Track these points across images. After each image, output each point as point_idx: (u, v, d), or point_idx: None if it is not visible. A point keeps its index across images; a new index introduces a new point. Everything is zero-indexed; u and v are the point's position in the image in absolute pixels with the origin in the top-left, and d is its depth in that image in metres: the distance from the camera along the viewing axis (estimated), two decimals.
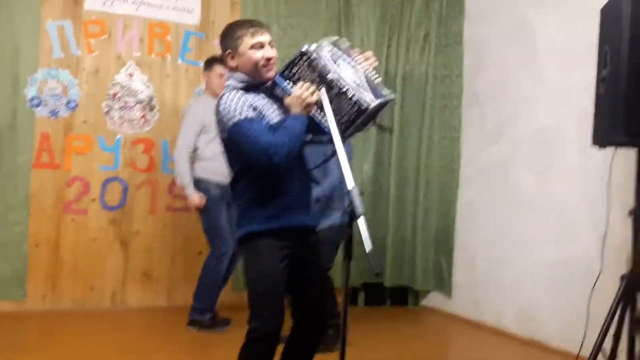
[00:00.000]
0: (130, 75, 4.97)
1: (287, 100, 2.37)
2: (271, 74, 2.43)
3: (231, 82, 2.48)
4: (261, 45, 2.42)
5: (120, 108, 4.93)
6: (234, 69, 2.47)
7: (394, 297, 5.49)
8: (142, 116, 4.99)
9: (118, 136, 4.91)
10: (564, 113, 4.20)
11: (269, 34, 2.47)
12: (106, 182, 4.87)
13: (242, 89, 2.43)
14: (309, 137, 2.49)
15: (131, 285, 4.94)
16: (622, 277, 2.91)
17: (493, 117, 4.87)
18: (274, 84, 2.41)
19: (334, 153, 2.15)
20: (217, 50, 5.19)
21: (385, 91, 2.45)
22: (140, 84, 4.98)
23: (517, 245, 4.52)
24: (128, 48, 4.95)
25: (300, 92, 2.33)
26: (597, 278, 3.32)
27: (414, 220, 5.36)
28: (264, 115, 2.40)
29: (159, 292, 4.99)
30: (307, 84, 2.35)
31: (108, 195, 4.88)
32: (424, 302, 5.45)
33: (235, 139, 2.38)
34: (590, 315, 3.31)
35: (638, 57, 2.72)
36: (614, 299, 2.87)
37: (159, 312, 4.84)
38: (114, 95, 4.92)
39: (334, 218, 3.87)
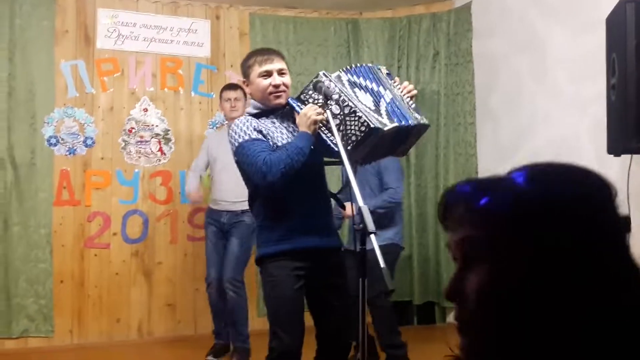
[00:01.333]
0: (145, 110, 5.06)
1: (297, 120, 2.44)
2: (280, 100, 2.52)
3: (247, 109, 2.59)
4: (269, 74, 2.52)
5: (137, 142, 5.01)
6: (251, 96, 2.60)
7: (421, 315, 5.46)
8: (159, 149, 5.06)
9: (136, 170, 4.99)
10: (578, 123, 4.20)
11: (280, 62, 2.56)
12: (126, 215, 4.94)
13: (254, 115, 2.53)
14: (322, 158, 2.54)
15: (156, 316, 4.97)
16: None
17: (508, 132, 4.88)
18: (290, 106, 2.50)
19: (355, 172, 2.19)
20: (228, 81, 5.30)
21: (417, 116, 2.49)
22: (155, 118, 5.07)
23: None
24: (141, 84, 5.05)
25: (306, 110, 2.40)
26: None
27: (436, 237, 5.36)
28: (270, 138, 2.48)
29: (184, 322, 5.03)
30: (311, 105, 2.42)
31: (129, 228, 4.94)
32: (451, 318, 5.42)
33: (240, 160, 2.50)
34: None
35: None
36: None
37: (186, 341, 4.86)
38: (130, 130, 5.01)
39: (383, 238, 3.68)
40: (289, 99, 2.51)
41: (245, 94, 4.46)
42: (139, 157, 5.02)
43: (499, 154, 4.98)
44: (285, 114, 2.56)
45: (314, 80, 2.44)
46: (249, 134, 2.46)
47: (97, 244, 4.86)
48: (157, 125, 5.07)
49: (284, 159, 2.36)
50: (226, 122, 4.56)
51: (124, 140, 4.99)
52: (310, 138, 2.42)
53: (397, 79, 2.66)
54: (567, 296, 0.73)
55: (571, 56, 4.25)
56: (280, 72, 2.56)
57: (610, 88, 3.06)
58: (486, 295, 0.76)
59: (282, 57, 2.64)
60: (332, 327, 2.54)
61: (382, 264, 1.84)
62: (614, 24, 2.96)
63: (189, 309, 5.04)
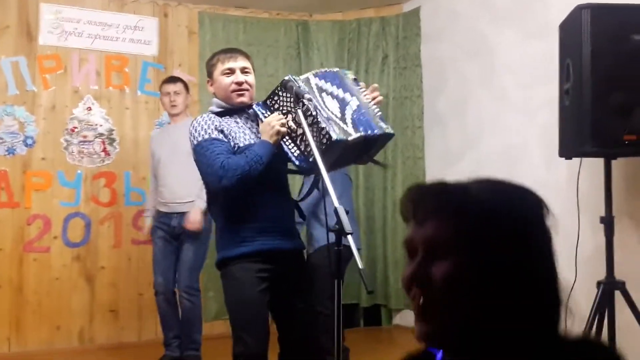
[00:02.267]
0: (89, 109, 4.89)
1: (260, 127, 2.40)
2: (243, 99, 2.49)
3: (210, 107, 2.54)
4: (232, 71, 2.49)
5: (80, 142, 4.83)
6: (214, 95, 2.54)
7: (367, 317, 5.47)
8: (103, 149, 4.90)
9: (78, 171, 4.81)
10: (526, 128, 4.29)
11: (244, 61, 2.54)
12: (68, 218, 4.75)
13: (217, 113, 2.47)
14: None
15: (99, 322, 4.80)
16: (599, 283, 2.96)
17: (456, 136, 4.95)
18: (254, 112, 2.45)
19: (314, 184, 2.16)
20: None
21: (382, 125, 2.46)
22: (99, 118, 4.91)
23: None
24: (85, 82, 4.88)
25: (269, 120, 2.37)
26: (572, 287, 3.38)
27: (384, 240, 5.38)
28: (231, 138, 2.42)
29: (127, 328, 4.87)
30: (277, 114, 2.38)
31: (70, 231, 4.75)
32: (398, 320, 5.45)
33: (197, 159, 2.45)
34: (567, 325, 3.35)
35: (600, 68, 2.81)
36: (593, 304, 2.92)
37: (129, 348, 4.71)
38: (73, 129, 4.83)
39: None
40: (254, 105, 2.47)
41: (187, 89, 4.34)
42: (82, 157, 4.84)
43: (446, 158, 5.05)
44: (250, 115, 2.51)
45: (280, 86, 2.39)
46: (209, 133, 2.40)
47: (37, 248, 4.66)
48: (101, 125, 4.91)
49: (242, 165, 2.31)
50: (170, 122, 4.44)
51: (66, 140, 4.80)
52: (271, 148, 2.38)
53: (362, 84, 2.64)
54: (507, 291, 0.88)
55: (519, 62, 4.34)
56: (244, 71, 2.54)
57: (563, 93, 3.13)
58: (453, 283, 0.87)
59: (247, 57, 2.62)
60: (296, 331, 2.49)
61: (360, 265, 1.81)
62: (569, 29, 3.02)
63: (133, 315, 4.89)
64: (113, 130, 4.93)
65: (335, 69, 2.67)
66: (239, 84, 2.52)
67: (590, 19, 2.79)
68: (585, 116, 2.85)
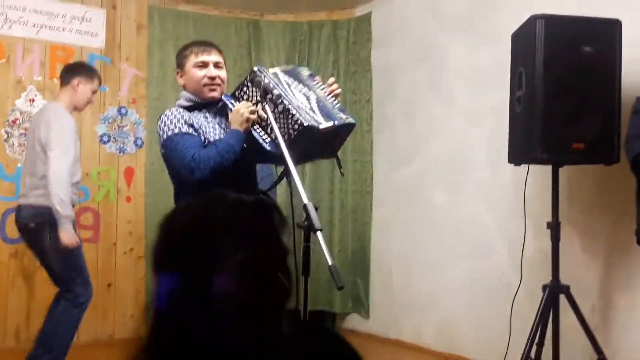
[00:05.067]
0: (31, 100, 4.72)
1: (229, 118, 2.38)
2: (214, 93, 2.46)
3: (178, 101, 2.49)
4: (205, 65, 2.45)
5: (21, 135, 4.66)
6: (184, 87, 2.50)
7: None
8: None
9: (19, 165, 4.63)
10: (473, 133, 4.38)
11: (218, 56, 2.52)
12: (6, 213, 4.56)
13: (186, 107, 2.43)
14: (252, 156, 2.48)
15: (36, 321, 4.60)
16: (544, 287, 3.05)
17: (404, 140, 5.01)
18: (224, 103, 2.42)
19: (285, 172, 2.15)
20: (123, 75, 5.07)
21: (342, 116, 2.47)
22: None
23: (433, 262, 4.65)
24: (28, 72, 4.71)
25: (239, 107, 2.35)
26: (517, 290, 3.47)
27: (330, 244, 5.38)
28: (202, 132, 2.40)
29: None
30: (247, 102, 2.36)
31: (8, 227, 4.56)
32: (342, 324, 5.47)
33: (167, 153, 2.41)
34: (512, 326, 3.44)
35: (552, 77, 2.90)
36: (538, 308, 3.00)
37: None
38: (14, 121, 4.65)
39: None
40: (223, 96, 2.44)
41: (100, 83, 3.98)
42: (23, 150, 4.66)
43: (394, 161, 5.11)
44: (219, 109, 2.48)
45: (251, 75, 2.38)
46: (179, 127, 2.37)
47: None
48: None
49: (213, 156, 2.29)
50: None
51: (6, 132, 4.62)
52: (241, 136, 2.36)
53: (318, 78, 2.65)
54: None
55: (468, 68, 4.44)
56: (217, 65, 2.50)
57: (515, 100, 3.21)
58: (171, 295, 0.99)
59: (220, 51, 2.58)
60: None
61: (329, 261, 1.80)
62: (522, 39, 3.11)
63: None
64: None
65: (291, 66, 2.68)
66: (212, 78, 2.49)
67: (544, 29, 2.88)
68: (536, 123, 2.93)
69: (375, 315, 5.19)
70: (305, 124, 2.28)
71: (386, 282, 5.10)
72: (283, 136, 2.29)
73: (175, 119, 2.39)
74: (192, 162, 2.27)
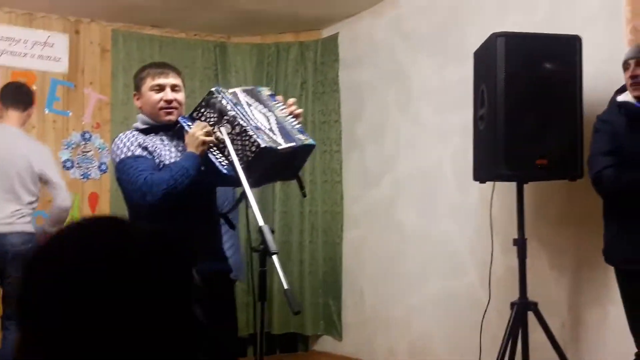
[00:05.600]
0: None
1: (185, 140, 2.33)
2: (171, 117, 2.43)
3: (135, 124, 2.45)
4: (161, 88, 2.41)
5: None
6: (140, 110, 2.46)
7: (284, 344, 5.38)
8: None
9: None
10: (441, 153, 4.38)
11: (176, 78, 2.48)
12: None
13: (142, 130, 2.39)
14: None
15: None
16: (512, 304, 3.03)
17: (373, 160, 5.00)
18: (180, 125, 2.38)
19: (242, 195, 2.11)
20: (86, 99, 5.00)
21: (302, 137, 2.43)
22: None
23: (404, 281, 4.61)
24: None
25: (194, 130, 2.30)
26: (487, 308, 3.45)
27: (301, 265, 5.33)
28: (157, 156, 2.35)
29: None
30: (203, 122, 2.32)
31: None
32: (315, 347, 5.40)
33: (119, 177, 2.38)
34: (482, 344, 3.41)
35: (513, 94, 2.91)
36: (507, 325, 2.97)
37: None
38: None
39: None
40: (180, 118, 2.39)
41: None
42: None
43: (364, 182, 5.09)
44: (176, 132, 2.43)
45: (207, 97, 2.34)
46: (132, 150, 2.32)
47: None
48: None
49: (166, 179, 2.23)
50: None
51: None
52: (197, 158, 2.31)
53: (279, 98, 2.61)
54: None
55: (435, 88, 4.45)
56: (174, 88, 2.46)
57: (478, 118, 3.21)
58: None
59: (178, 73, 2.54)
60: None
61: (285, 285, 1.75)
62: (483, 56, 3.12)
63: None
64: None
65: (250, 87, 2.64)
66: (169, 102, 2.44)
67: (505, 47, 2.89)
68: (499, 141, 2.93)
69: (348, 336, 5.13)
70: (263, 145, 2.24)
71: (358, 303, 5.05)
72: (241, 158, 2.24)
73: (129, 142, 2.34)
74: (144, 186, 2.22)
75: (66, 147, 4.84)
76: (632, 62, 2.70)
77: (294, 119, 2.51)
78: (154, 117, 2.44)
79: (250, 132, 2.26)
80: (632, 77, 2.69)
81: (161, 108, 2.42)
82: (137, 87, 2.51)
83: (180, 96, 2.47)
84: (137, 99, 2.52)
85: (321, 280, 5.30)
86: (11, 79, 4.68)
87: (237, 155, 2.25)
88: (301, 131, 2.51)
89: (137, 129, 2.43)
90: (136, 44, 5.13)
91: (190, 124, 2.35)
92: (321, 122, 5.46)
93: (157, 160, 2.34)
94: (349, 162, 5.27)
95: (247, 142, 2.25)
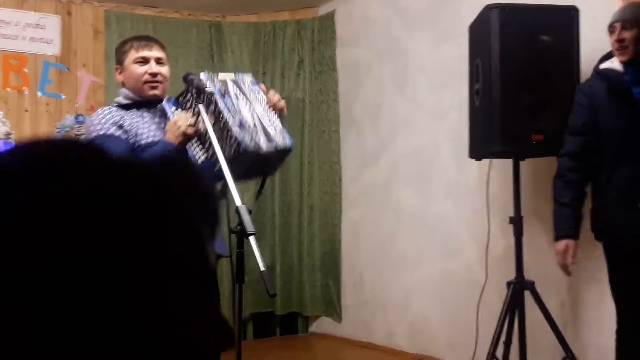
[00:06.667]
0: None
1: (167, 126, 2.25)
2: (156, 91, 2.35)
3: (117, 98, 2.38)
4: (146, 61, 2.33)
5: None
6: (123, 84, 2.38)
7: (284, 326, 5.36)
8: None
9: None
10: (438, 131, 4.31)
11: (160, 51, 2.40)
12: None
13: (123, 105, 2.31)
14: None
15: None
16: (509, 284, 2.97)
17: (371, 140, 4.93)
18: (162, 108, 2.30)
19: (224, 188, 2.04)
20: (80, 82, 4.94)
21: (281, 139, 2.33)
22: None
23: (402, 262, 4.56)
24: None
25: (177, 119, 2.22)
26: (483, 288, 3.39)
27: (300, 246, 5.29)
28: (134, 134, 2.27)
29: None
30: (187, 113, 2.24)
31: None
32: (314, 328, 5.36)
33: None
34: (479, 325, 3.36)
35: (509, 68, 2.83)
36: (503, 305, 2.92)
37: None
38: None
39: None
40: (164, 102, 2.31)
41: None
42: None
43: (362, 162, 5.02)
44: (160, 110, 2.36)
45: (196, 82, 2.24)
46: (105, 128, 2.24)
47: None
48: None
49: None
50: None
51: None
52: (172, 149, 2.21)
53: (262, 87, 2.48)
54: None
55: (432, 65, 4.36)
56: (159, 61, 2.39)
57: (473, 94, 3.13)
58: None
59: (163, 47, 2.46)
60: None
61: (262, 267, 1.69)
62: (478, 30, 3.03)
63: None
64: (11, 134, 4.62)
65: (233, 74, 2.52)
66: (153, 74, 2.37)
67: (499, 19, 2.81)
68: (495, 116, 2.85)
69: (346, 318, 5.09)
70: (244, 147, 2.14)
71: (357, 284, 5.00)
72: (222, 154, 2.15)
73: (104, 119, 2.27)
74: None
75: (59, 130, 4.79)
76: (617, 25, 2.56)
77: (276, 115, 2.39)
78: (138, 92, 2.37)
79: (234, 131, 2.16)
80: (619, 40, 2.56)
81: (145, 82, 2.34)
82: (120, 61, 2.43)
83: (164, 70, 2.40)
84: (120, 73, 2.44)
85: (320, 261, 5.26)
86: (2, 61, 4.63)
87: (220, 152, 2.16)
88: (282, 130, 2.38)
89: (119, 105, 2.36)
90: (129, 24, 5.05)
91: (174, 108, 2.27)
92: (319, 102, 5.38)
93: (132, 140, 2.27)
94: (346, 143, 5.19)
95: (229, 141, 2.17)
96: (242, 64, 5.32)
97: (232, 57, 5.33)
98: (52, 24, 4.81)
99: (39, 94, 4.74)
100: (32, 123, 4.71)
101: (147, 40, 2.47)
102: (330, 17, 5.29)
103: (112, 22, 5.00)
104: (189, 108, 2.27)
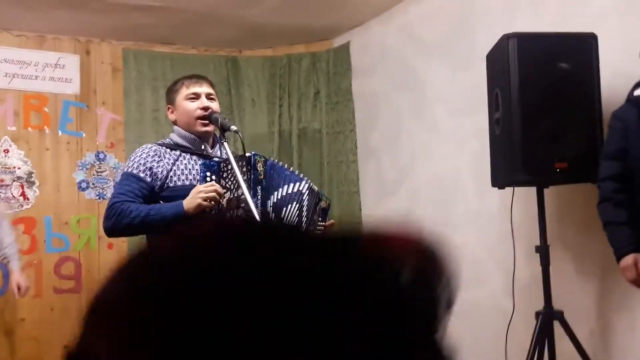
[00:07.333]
0: (6, 151, 4.63)
1: (192, 190, 2.26)
2: (208, 128, 2.38)
3: (170, 135, 2.41)
4: (197, 96, 2.37)
5: None
6: (174, 123, 2.42)
7: None
8: (21, 193, 4.63)
9: None
10: (458, 159, 4.28)
11: (210, 87, 2.46)
12: None
13: (172, 145, 2.34)
14: None
15: None
16: (538, 314, 2.91)
17: (390, 169, 4.91)
18: (201, 167, 2.33)
19: None
20: (100, 119, 4.99)
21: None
22: (17, 160, 4.65)
23: None
24: (2, 123, 4.63)
25: (202, 188, 2.21)
26: (511, 317, 3.33)
27: None
28: (161, 178, 2.28)
29: None
30: (214, 186, 2.22)
31: None
32: None
33: None
34: (508, 356, 3.30)
35: (528, 97, 2.81)
36: (532, 336, 2.86)
37: None
38: None
39: None
40: (204, 162, 2.31)
41: None
42: None
43: (381, 191, 5.00)
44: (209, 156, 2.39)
45: (246, 160, 2.30)
46: (133, 167, 2.27)
47: None
48: (19, 168, 4.64)
49: (133, 216, 2.15)
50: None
51: None
52: (182, 213, 2.19)
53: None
54: None
55: (449, 93, 4.36)
56: (209, 97, 2.42)
57: (493, 122, 3.11)
58: None
59: (212, 84, 2.52)
60: None
61: None
62: (496, 59, 3.02)
63: None
64: (32, 172, 4.67)
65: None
66: (205, 109, 2.40)
67: (516, 48, 2.79)
68: (516, 145, 2.83)
69: None
70: None
71: None
72: None
73: (139, 158, 2.30)
74: (110, 210, 2.17)
75: (81, 167, 4.83)
76: None
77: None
78: (190, 128, 2.39)
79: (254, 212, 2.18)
80: None
81: (198, 117, 2.38)
82: (171, 100, 2.46)
83: (215, 105, 2.44)
84: (172, 112, 2.47)
85: None
86: (23, 102, 4.69)
87: None
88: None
89: (164, 144, 2.37)
90: (147, 62, 5.11)
91: (209, 174, 2.24)
92: (336, 132, 5.39)
93: (160, 182, 2.27)
94: (365, 173, 5.18)
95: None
96: (259, 97, 5.36)
97: (249, 90, 5.38)
98: (71, 63, 4.88)
99: (60, 132, 4.80)
100: (53, 161, 4.75)
101: (197, 77, 2.52)
102: (345, 48, 5.32)
103: (130, 60, 5.06)
104: (224, 178, 2.26)
